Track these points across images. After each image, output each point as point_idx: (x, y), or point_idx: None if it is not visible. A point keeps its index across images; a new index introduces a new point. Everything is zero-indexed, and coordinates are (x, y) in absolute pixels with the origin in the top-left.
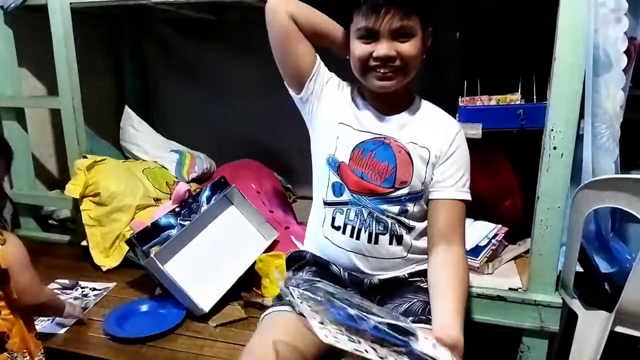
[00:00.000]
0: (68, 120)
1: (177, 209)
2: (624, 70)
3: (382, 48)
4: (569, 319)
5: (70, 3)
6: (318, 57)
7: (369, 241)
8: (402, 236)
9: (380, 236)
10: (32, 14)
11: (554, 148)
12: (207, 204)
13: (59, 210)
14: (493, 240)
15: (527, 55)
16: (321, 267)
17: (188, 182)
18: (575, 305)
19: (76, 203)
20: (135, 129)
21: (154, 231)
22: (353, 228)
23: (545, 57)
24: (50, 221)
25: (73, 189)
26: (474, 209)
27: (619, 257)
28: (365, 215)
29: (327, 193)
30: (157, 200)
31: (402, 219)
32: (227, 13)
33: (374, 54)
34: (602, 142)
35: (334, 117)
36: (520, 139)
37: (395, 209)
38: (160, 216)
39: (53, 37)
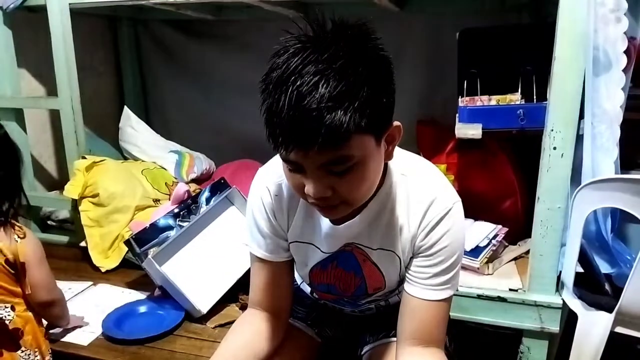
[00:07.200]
0: (67, 121)
1: (176, 210)
2: (623, 70)
3: (310, 188)
4: (569, 320)
5: (70, 3)
6: (288, 242)
7: (352, 312)
8: (388, 299)
9: (366, 311)
10: (31, 15)
11: (554, 148)
12: (207, 205)
13: (57, 211)
14: (493, 241)
15: (527, 55)
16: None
17: (187, 183)
18: (576, 305)
19: (75, 204)
20: (134, 130)
21: (153, 232)
22: (334, 306)
23: (545, 57)
24: (49, 222)
25: (72, 190)
26: (474, 209)
27: (619, 258)
28: (346, 302)
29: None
30: (156, 201)
31: (389, 297)
32: (226, 13)
33: (305, 190)
34: (602, 142)
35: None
36: (520, 139)
37: (379, 300)
38: (159, 217)
39: (52, 37)
